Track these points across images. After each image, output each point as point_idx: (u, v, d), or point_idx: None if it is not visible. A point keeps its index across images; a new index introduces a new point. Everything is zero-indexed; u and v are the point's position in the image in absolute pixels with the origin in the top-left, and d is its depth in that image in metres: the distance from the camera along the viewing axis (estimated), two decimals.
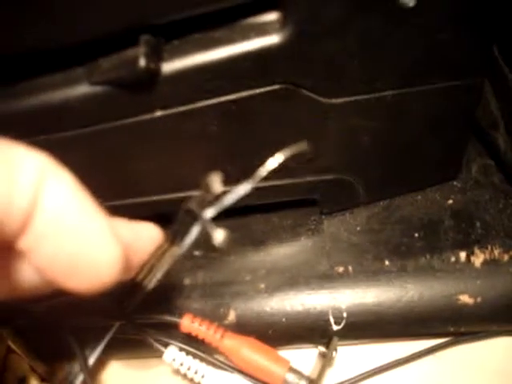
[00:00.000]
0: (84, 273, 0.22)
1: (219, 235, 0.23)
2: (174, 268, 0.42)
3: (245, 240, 0.44)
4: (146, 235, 0.27)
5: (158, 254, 0.28)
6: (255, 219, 0.45)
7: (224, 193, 0.24)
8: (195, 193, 0.24)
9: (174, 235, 0.27)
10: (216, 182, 0.23)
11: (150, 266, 0.29)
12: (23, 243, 0.21)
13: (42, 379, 0.42)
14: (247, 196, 0.39)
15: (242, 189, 0.24)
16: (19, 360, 0.40)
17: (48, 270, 0.22)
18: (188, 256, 0.43)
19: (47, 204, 0.20)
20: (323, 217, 0.45)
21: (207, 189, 0.23)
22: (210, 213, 0.24)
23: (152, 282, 0.31)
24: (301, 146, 0.25)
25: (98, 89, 0.31)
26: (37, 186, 0.20)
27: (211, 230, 0.23)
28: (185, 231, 0.26)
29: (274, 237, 0.44)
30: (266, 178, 0.38)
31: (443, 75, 0.36)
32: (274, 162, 0.24)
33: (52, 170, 0.21)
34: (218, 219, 0.44)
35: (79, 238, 0.21)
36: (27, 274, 0.23)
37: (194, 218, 0.25)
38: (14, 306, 0.40)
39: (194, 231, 0.25)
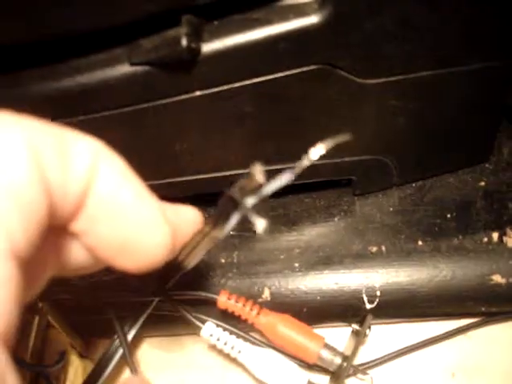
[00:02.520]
0: (135, 254, 0.22)
1: (260, 224, 0.23)
2: (210, 247, 0.43)
3: (279, 220, 0.44)
4: (189, 218, 0.28)
5: (199, 237, 0.29)
6: (288, 200, 0.46)
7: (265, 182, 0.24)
8: (235, 175, 0.24)
9: (216, 220, 0.27)
10: (259, 173, 0.23)
11: (190, 248, 0.29)
12: (76, 226, 0.21)
13: (81, 355, 0.43)
14: None
15: (283, 179, 0.24)
16: (59, 334, 0.41)
17: (100, 251, 0.22)
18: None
19: (100, 188, 0.21)
20: (356, 198, 0.45)
21: (251, 179, 0.23)
22: (251, 201, 0.24)
23: (192, 263, 0.32)
24: (343, 137, 0.25)
25: (138, 69, 0.31)
26: (90, 170, 0.21)
27: (252, 218, 0.24)
28: (225, 217, 0.26)
29: (308, 217, 0.44)
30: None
31: (478, 56, 0.36)
32: (317, 152, 0.24)
33: (104, 154, 0.21)
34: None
35: (131, 221, 0.22)
36: (79, 254, 0.24)
37: (235, 205, 0.25)
38: (54, 281, 0.41)
39: (235, 218, 0.26)
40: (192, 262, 0.32)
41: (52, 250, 0.23)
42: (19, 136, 0.18)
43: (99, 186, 0.21)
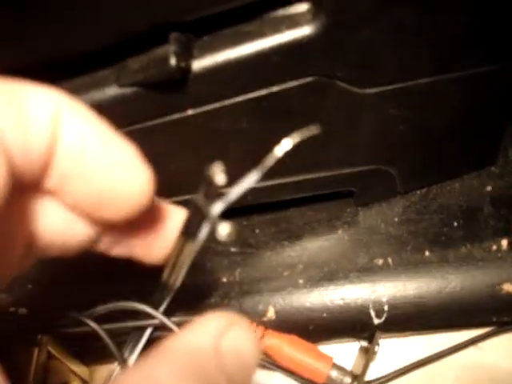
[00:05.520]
0: (116, 202, 0.21)
1: (223, 230, 0.22)
2: (210, 265, 0.42)
3: (280, 235, 0.43)
4: (177, 216, 0.27)
5: (177, 250, 0.28)
6: (290, 213, 0.45)
7: (231, 185, 0.23)
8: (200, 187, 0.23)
9: (186, 231, 0.26)
10: (218, 174, 0.22)
11: (172, 262, 0.29)
12: (49, 183, 0.20)
13: (84, 382, 0.42)
14: (286, 190, 0.38)
15: (249, 180, 0.23)
16: (60, 365, 0.40)
17: (79, 206, 0.21)
18: (224, 253, 0.43)
19: (67, 139, 0.20)
20: (359, 209, 0.44)
21: (210, 181, 0.22)
22: (217, 208, 0.23)
23: (178, 280, 0.31)
24: (311, 130, 0.24)
25: (127, 90, 0.30)
26: (53, 122, 0.19)
27: (216, 225, 0.23)
28: (196, 227, 0.25)
29: (310, 231, 0.43)
30: (303, 172, 0.37)
31: (479, 60, 0.35)
32: (283, 148, 0.23)
33: (67, 103, 0.20)
34: (250, 214, 0.44)
35: (105, 169, 0.21)
36: (56, 218, 0.23)
37: (202, 214, 0.24)
38: (52, 314, 0.40)
39: (204, 230, 0.25)
40: (178, 278, 0.31)
41: (24, 215, 0.22)
42: None
43: (65, 137, 0.20)
